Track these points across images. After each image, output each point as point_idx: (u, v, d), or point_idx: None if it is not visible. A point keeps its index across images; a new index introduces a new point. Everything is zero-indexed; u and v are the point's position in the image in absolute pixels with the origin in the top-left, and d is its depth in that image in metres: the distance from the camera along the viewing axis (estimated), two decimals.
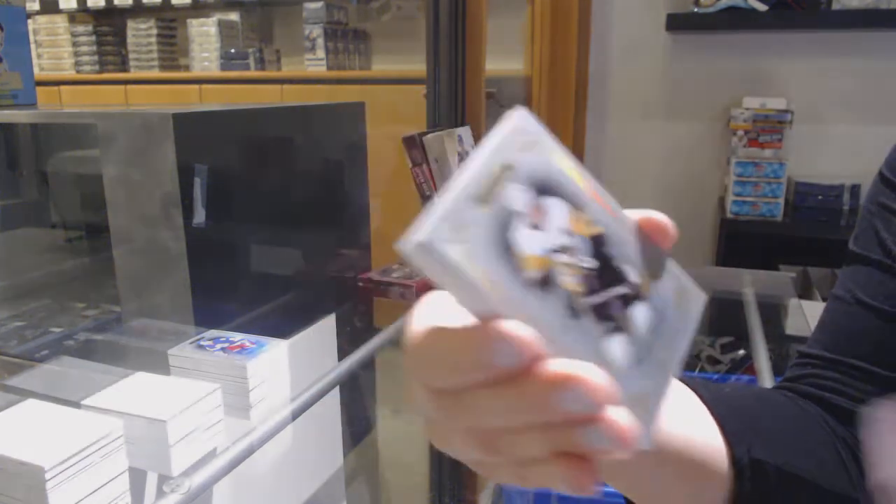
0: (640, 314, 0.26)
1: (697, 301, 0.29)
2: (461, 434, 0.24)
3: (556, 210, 0.24)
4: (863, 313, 0.47)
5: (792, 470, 0.39)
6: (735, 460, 0.38)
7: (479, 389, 0.22)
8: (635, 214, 0.28)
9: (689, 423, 0.38)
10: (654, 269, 0.27)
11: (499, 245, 0.22)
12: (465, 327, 0.22)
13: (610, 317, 0.24)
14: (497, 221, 0.22)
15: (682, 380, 0.39)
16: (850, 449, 0.43)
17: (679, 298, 0.28)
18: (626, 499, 0.41)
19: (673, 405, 0.36)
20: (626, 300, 0.25)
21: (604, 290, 0.24)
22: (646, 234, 0.27)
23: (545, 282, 0.22)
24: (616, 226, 0.26)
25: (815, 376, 0.47)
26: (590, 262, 0.24)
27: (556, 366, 0.21)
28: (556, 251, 0.23)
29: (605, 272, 0.25)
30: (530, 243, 0.22)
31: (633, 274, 0.26)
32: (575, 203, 0.25)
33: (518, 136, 0.24)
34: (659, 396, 0.25)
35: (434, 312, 0.24)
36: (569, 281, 0.23)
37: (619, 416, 0.21)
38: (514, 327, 0.21)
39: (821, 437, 0.43)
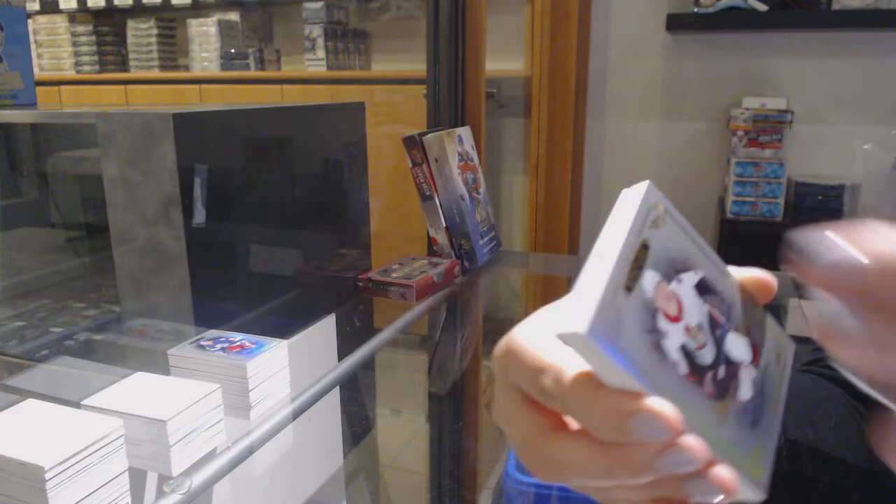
0: (749, 379, 0.26)
1: (789, 350, 0.29)
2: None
3: (688, 291, 0.24)
4: None
5: (822, 447, 0.41)
6: None
7: (593, 445, 0.24)
8: (739, 273, 0.28)
9: None
10: (758, 330, 0.27)
11: (648, 335, 0.22)
12: (620, 391, 0.22)
13: (728, 389, 0.25)
14: (643, 311, 0.22)
15: None
16: (866, 422, 0.44)
17: (777, 352, 0.28)
18: None
19: None
20: (740, 368, 0.26)
21: (723, 363, 0.25)
22: (746, 292, 0.28)
23: (687, 369, 0.23)
24: (728, 289, 0.27)
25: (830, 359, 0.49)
26: (711, 341, 0.25)
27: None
28: (689, 336, 0.24)
29: (722, 341, 0.25)
30: (673, 333, 0.23)
31: (744, 342, 0.26)
32: (701, 276, 0.25)
33: (649, 211, 0.24)
34: (770, 449, 0.26)
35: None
36: (700, 361, 0.24)
37: (721, 470, 0.23)
38: (667, 407, 0.22)
39: (842, 413, 0.45)
